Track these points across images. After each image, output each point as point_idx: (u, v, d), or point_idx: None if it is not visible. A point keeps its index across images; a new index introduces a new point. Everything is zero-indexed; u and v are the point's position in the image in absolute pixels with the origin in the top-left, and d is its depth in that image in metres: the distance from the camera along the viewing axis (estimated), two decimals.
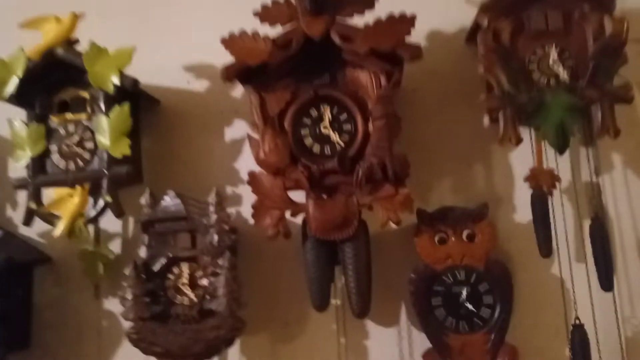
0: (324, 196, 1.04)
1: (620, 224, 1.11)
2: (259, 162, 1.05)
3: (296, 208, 1.04)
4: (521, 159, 1.11)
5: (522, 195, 1.10)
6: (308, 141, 1.07)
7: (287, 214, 1.04)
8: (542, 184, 1.02)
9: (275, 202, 1.04)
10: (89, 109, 1.14)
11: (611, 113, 0.99)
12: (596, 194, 1.07)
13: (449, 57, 1.19)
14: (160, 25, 1.29)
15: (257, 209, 1.04)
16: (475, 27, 1.09)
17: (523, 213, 1.11)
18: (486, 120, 1.16)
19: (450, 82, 1.19)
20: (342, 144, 1.05)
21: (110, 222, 1.19)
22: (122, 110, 1.09)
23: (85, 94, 1.14)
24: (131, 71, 1.13)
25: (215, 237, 1.03)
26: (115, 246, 1.22)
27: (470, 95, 1.16)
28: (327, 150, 1.06)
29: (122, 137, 1.09)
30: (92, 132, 1.12)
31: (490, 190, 1.15)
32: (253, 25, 1.04)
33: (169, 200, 1.07)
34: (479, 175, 1.15)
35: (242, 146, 1.23)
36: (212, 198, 1.06)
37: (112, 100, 1.10)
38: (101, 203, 1.10)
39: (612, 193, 1.12)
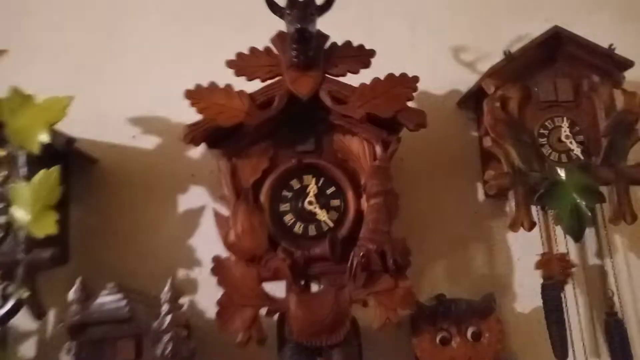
0: (308, 290, 0.86)
1: (627, 315, 1.01)
2: (229, 246, 0.84)
3: (274, 305, 0.84)
4: (523, 238, 0.99)
5: (527, 280, 0.98)
6: (289, 218, 0.88)
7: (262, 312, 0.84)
8: (554, 272, 0.91)
9: (247, 298, 0.83)
10: (4, 172, 0.88)
11: (627, 196, 0.90)
12: (608, 284, 0.97)
13: (440, 122, 1.06)
14: (101, 66, 1.07)
15: (224, 307, 0.83)
16: (476, 92, 0.98)
17: (528, 301, 0.99)
18: (481, 194, 1.04)
19: (442, 150, 1.06)
20: (330, 223, 0.88)
21: (22, 318, 0.91)
22: (49, 176, 0.84)
23: (1, 152, 0.88)
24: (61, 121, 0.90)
25: (170, 347, 0.80)
26: (29, 349, 0.94)
27: (464, 164, 1.06)
28: (312, 230, 0.88)
29: (47, 211, 0.84)
30: (8, 203, 0.86)
31: (490, 276, 1.02)
32: (223, 74, 0.86)
33: (108, 296, 0.83)
34: (477, 258, 1.02)
35: (199, 218, 1.02)
36: (165, 293, 0.83)
37: (36, 161, 0.86)
38: (13, 298, 0.83)
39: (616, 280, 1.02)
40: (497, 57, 1.08)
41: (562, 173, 0.89)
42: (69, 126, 0.93)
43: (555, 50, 0.94)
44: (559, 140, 0.92)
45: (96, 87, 1.04)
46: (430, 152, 1.06)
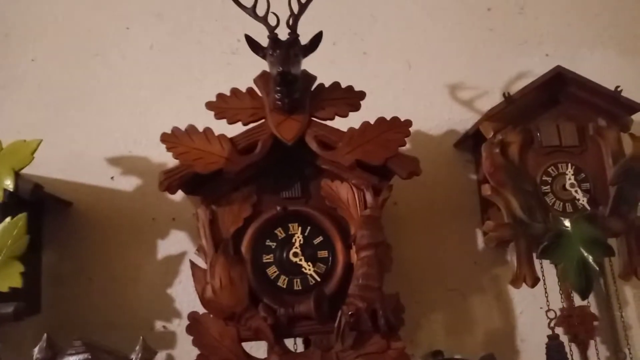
0: (293, 349, 0.79)
1: None
2: (206, 302, 0.78)
3: None
4: (526, 289, 0.92)
5: (529, 336, 0.92)
6: (272, 271, 0.82)
7: None
8: (577, 329, 0.83)
9: (225, 359, 0.77)
10: None
11: (638, 249, 0.83)
12: (618, 341, 0.89)
13: (436, 164, 1.01)
14: (78, 104, 1.02)
15: None
16: (474, 134, 0.92)
17: (531, 358, 0.92)
18: (481, 241, 0.98)
19: (438, 194, 1.00)
20: (316, 277, 0.81)
21: None
22: (15, 225, 0.79)
23: None
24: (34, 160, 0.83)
25: None
26: None
27: (462, 210, 1.00)
28: (298, 284, 0.81)
29: (12, 262, 0.78)
30: None
31: (491, 330, 0.95)
32: (206, 112, 0.80)
33: (74, 356, 0.77)
34: (476, 312, 0.95)
35: (180, 265, 0.96)
36: (136, 353, 0.77)
37: (3, 208, 0.80)
38: None
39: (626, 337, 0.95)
40: (496, 95, 1.04)
41: (567, 224, 0.82)
42: (43, 167, 0.88)
43: (558, 91, 0.88)
44: (564, 188, 0.85)
45: (73, 125, 1.00)
46: (425, 196, 1.00)
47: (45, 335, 0.79)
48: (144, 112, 1.02)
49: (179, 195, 0.96)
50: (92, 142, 0.99)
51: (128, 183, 0.98)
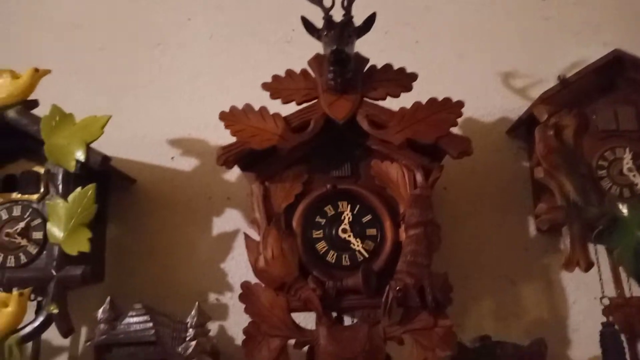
0: (340, 323, 0.81)
1: None
2: (258, 272, 0.81)
3: (303, 337, 0.80)
4: (579, 278, 0.91)
5: (583, 325, 0.90)
6: (321, 246, 0.84)
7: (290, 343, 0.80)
8: (628, 320, 0.81)
9: (275, 328, 0.79)
10: (42, 189, 0.89)
11: None
12: None
13: (488, 151, 1.01)
14: (142, 88, 1.09)
15: (251, 336, 0.79)
16: (527, 119, 0.91)
17: (584, 349, 0.89)
18: (533, 229, 0.97)
19: (489, 180, 1.00)
20: (364, 253, 0.83)
21: (52, 333, 0.90)
22: (84, 194, 0.85)
23: (39, 169, 0.90)
24: (102, 140, 0.88)
25: None
26: None
27: (514, 196, 0.99)
28: (346, 259, 0.83)
29: (81, 228, 0.84)
30: (44, 219, 0.87)
31: (542, 319, 0.93)
32: (260, 97, 0.84)
33: (134, 317, 0.81)
34: (527, 299, 0.94)
35: (233, 242, 1.00)
36: (191, 318, 0.81)
37: (73, 179, 0.87)
38: (43, 314, 0.83)
39: None
40: (550, 84, 1.01)
41: (624, 209, 0.80)
42: (110, 146, 0.94)
43: (616, 75, 0.86)
44: (621, 173, 0.83)
45: (137, 109, 1.06)
46: (476, 182, 0.99)
47: (108, 298, 0.85)
48: (202, 97, 1.07)
49: (234, 175, 1.02)
50: (154, 124, 1.05)
51: (187, 163, 1.04)
